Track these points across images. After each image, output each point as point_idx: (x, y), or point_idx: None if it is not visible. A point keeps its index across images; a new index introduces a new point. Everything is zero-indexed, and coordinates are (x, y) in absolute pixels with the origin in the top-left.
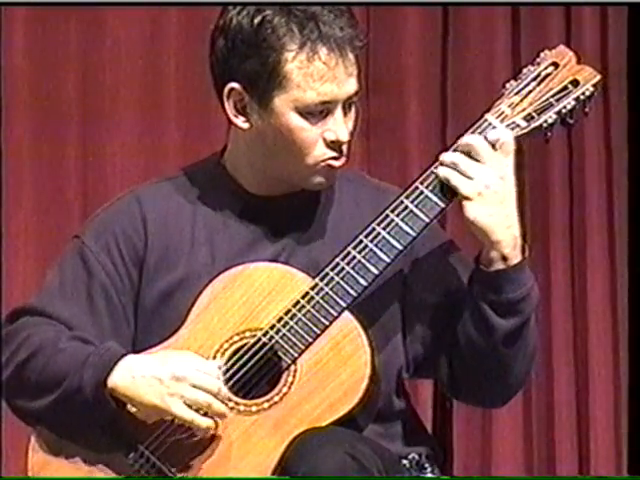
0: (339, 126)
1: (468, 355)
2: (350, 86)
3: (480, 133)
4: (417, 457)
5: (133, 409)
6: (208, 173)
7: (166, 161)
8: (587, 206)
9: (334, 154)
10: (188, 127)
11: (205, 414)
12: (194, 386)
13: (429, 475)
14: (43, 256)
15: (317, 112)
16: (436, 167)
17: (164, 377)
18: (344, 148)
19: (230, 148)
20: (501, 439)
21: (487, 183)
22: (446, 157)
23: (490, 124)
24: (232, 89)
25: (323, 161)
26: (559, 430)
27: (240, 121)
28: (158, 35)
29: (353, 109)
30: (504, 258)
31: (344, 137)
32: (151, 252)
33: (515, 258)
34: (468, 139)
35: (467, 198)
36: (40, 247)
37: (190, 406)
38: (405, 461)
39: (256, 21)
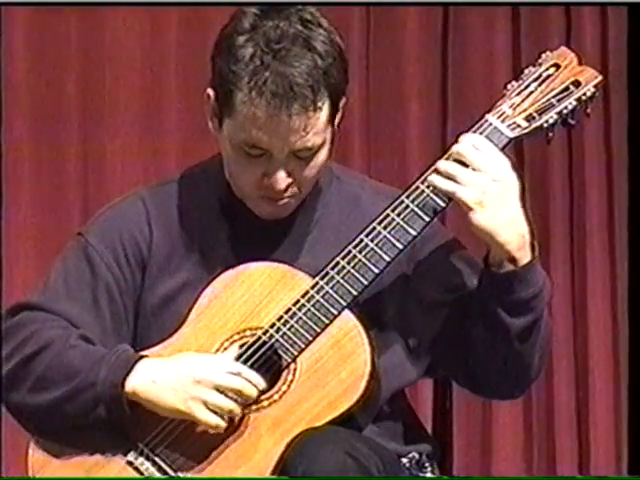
0: (274, 176)
1: (484, 354)
2: (295, 142)
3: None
4: (417, 456)
5: (156, 410)
6: (212, 177)
7: (166, 161)
8: (587, 206)
9: (272, 196)
10: (188, 127)
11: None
12: (216, 388)
13: (429, 474)
14: (43, 256)
15: (253, 154)
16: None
17: (186, 381)
18: (284, 194)
19: None
20: (501, 439)
21: (484, 189)
22: (441, 166)
23: (491, 124)
24: (208, 95)
25: (262, 197)
26: (559, 430)
27: (210, 125)
28: (158, 35)
29: (317, 157)
30: (513, 259)
31: (278, 187)
32: (155, 255)
33: (524, 258)
34: (457, 147)
35: (468, 207)
36: (40, 247)
37: (214, 411)
38: (405, 460)
39: (229, 43)
